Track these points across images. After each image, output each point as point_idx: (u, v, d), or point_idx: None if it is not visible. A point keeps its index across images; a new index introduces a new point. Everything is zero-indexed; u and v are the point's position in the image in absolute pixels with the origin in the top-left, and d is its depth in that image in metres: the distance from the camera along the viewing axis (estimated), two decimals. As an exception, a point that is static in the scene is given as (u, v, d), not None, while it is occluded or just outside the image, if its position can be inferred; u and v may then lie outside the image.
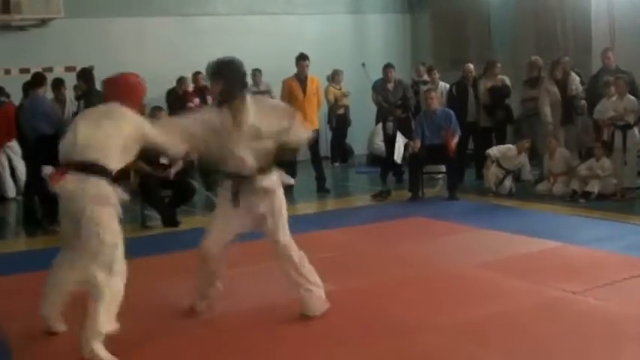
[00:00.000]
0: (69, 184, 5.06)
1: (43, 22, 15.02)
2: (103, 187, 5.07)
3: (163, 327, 5.79)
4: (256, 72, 15.33)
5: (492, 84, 12.63)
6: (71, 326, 5.49)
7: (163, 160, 10.10)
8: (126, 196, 5.31)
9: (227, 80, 5.69)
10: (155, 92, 14.38)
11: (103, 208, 5.06)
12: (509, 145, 11.69)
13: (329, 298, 6.07)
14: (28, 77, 11.45)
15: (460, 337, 5.28)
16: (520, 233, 8.48)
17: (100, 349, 4.93)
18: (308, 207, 11.57)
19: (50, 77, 11.10)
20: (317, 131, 12.43)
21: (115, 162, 5.18)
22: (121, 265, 5.13)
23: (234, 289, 6.57)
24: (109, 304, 5.01)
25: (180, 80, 14.61)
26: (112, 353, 4.97)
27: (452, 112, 11.50)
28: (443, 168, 11.78)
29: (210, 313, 5.99)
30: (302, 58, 12.14)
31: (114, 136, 5.18)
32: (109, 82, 5.61)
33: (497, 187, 11.30)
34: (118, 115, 5.29)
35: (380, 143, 13.60)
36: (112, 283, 5.03)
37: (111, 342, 5.02)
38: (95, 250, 5.03)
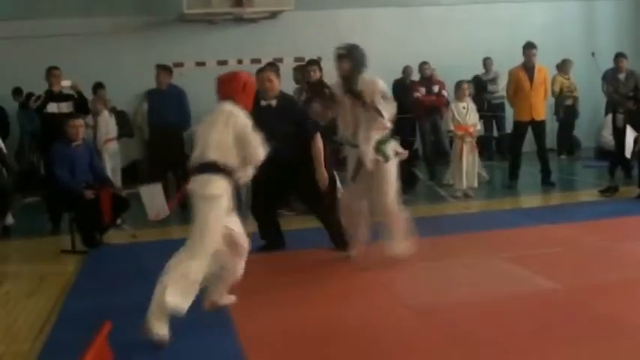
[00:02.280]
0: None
1: (273, 15, 15.58)
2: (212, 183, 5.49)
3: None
4: (487, 60, 15.26)
5: None
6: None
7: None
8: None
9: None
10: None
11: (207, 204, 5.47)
12: None
13: (552, 296, 5.97)
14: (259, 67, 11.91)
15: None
16: None
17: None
18: (532, 200, 11.35)
19: (281, 68, 11.43)
20: (544, 122, 12.14)
21: (233, 158, 5.54)
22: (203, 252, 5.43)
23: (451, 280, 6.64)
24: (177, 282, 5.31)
25: (406, 69, 14.69)
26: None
27: (687, 104, 10.88)
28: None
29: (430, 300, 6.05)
30: (529, 47, 11.85)
31: (226, 134, 5.52)
32: (221, 81, 5.85)
33: None
34: (228, 114, 5.60)
35: (609, 136, 13.08)
36: (186, 265, 5.37)
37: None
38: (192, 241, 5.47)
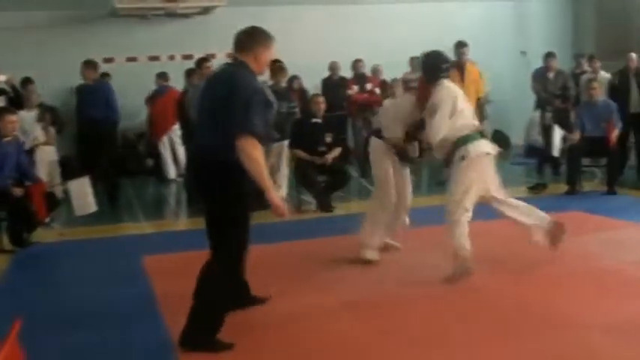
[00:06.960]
0: None
1: (205, 10, 15.50)
2: None
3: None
4: (413, 59, 15.32)
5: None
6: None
7: (322, 148, 10.27)
8: None
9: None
10: (309, 80, 14.63)
11: None
12: None
13: (487, 290, 6.13)
14: (190, 64, 11.87)
15: (614, 336, 5.10)
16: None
17: None
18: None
19: (213, 63, 11.35)
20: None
21: None
22: None
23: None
24: None
25: (333, 65, 14.66)
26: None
27: (613, 104, 11.14)
28: (602, 161, 11.39)
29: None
30: (461, 46, 11.95)
31: None
32: None
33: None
34: None
35: (537, 134, 13.25)
36: None
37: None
38: None
